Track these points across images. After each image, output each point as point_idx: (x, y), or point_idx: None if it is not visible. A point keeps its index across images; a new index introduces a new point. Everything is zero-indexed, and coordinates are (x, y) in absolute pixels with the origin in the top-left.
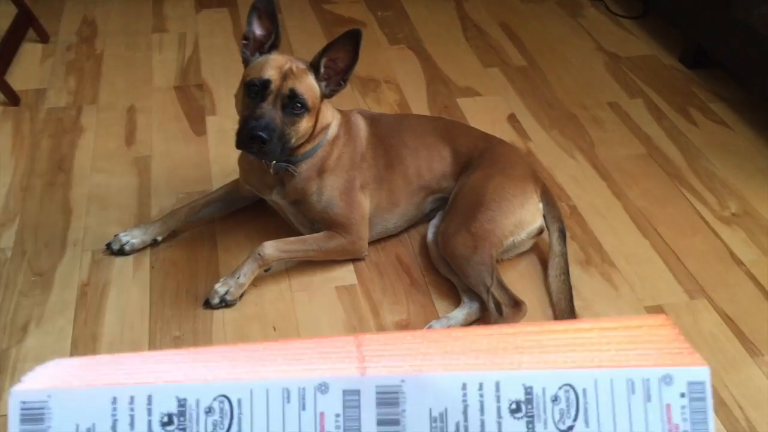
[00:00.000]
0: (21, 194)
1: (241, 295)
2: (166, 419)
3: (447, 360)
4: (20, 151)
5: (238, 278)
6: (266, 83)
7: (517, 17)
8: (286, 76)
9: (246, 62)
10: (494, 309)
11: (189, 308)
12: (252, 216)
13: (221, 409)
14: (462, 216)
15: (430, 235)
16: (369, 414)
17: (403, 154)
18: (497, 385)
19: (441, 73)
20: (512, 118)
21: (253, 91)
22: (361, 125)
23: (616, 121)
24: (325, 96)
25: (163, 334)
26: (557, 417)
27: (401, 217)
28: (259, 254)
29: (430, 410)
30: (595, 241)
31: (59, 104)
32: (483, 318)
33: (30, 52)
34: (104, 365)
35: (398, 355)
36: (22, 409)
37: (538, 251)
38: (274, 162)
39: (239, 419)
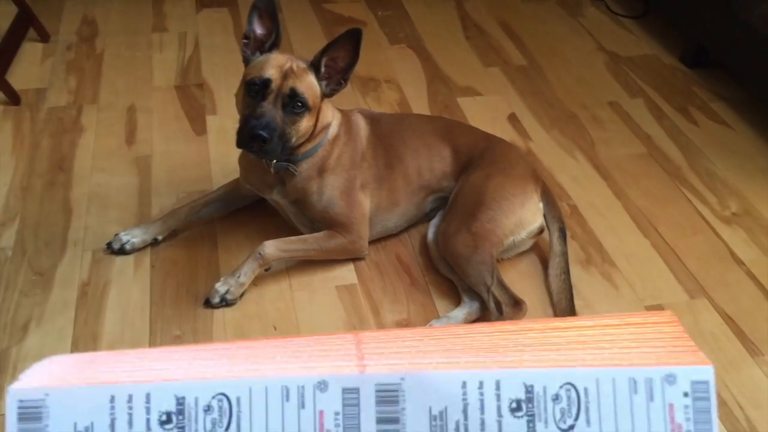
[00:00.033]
0: (21, 194)
1: (242, 295)
2: (164, 418)
3: (447, 358)
4: (21, 150)
5: (238, 277)
6: (267, 82)
7: (518, 17)
8: (286, 75)
9: (246, 61)
10: (494, 308)
11: (189, 307)
12: (252, 215)
13: (220, 408)
14: (462, 215)
15: (430, 235)
16: (368, 412)
17: (403, 154)
18: (498, 384)
19: (441, 72)
20: (512, 118)
21: (254, 90)
22: (361, 125)
23: (616, 120)
24: (326, 95)
25: (163, 334)
26: (558, 416)
27: (401, 217)
28: (259, 253)
29: (430, 408)
30: (596, 240)
31: (60, 104)
32: (483, 317)
33: (30, 51)
34: (101, 362)
35: (398, 353)
36: (20, 407)
37: (539, 251)
38: (275, 161)
39: (238, 417)
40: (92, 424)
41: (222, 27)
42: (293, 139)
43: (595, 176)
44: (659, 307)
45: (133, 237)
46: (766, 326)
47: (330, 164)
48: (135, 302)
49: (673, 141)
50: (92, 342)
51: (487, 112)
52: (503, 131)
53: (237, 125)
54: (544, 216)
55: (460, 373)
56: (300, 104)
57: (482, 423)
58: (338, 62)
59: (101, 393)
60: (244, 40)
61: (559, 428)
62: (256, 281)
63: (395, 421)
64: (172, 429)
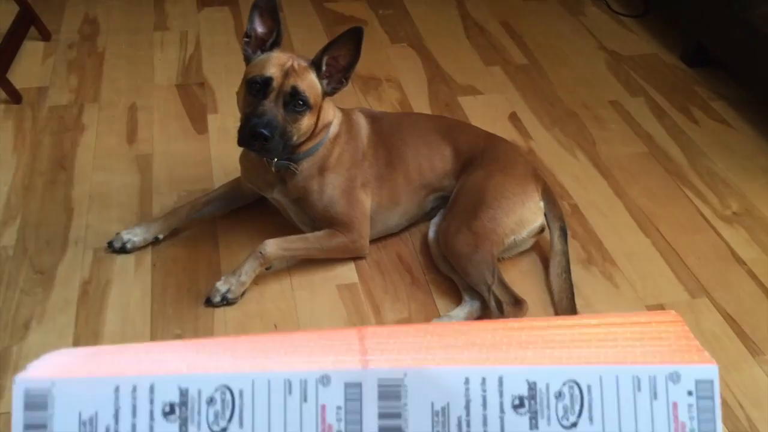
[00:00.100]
0: (22, 192)
1: (243, 294)
2: (168, 409)
3: (450, 354)
4: (22, 149)
5: (239, 276)
6: (268, 81)
7: (519, 15)
8: (287, 73)
9: (248, 60)
10: (495, 307)
11: (190, 306)
12: (253, 214)
13: (223, 400)
14: (463, 214)
15: (431, 234)
16: (371, 407)
17: (404, 153)
18: (500, 380)
19: (442, 71)
20: (513, 117)
21: (255, 88)
22: (362, 123)
23: (617, 119)
24: (327, 94)
25: (164, 332)
26: (561, 413)
27: (402, 216)
28: (260, 252)
29: (432, 404)
30: (597, 239)
31: (61, 102)
32: (484, 316)
33: (32, 50)
34: (108, 355)
35: (401, 349)
36: (26, 396)
37: (540, 250)
38: (276, 160)
39: (241, 410)
40: (96, 413)
41: (223, 26)
42: (294, 138)
43: (595, 175)
44: (660, 307)
45: (134, 236)
46: (766, 325)
47: (331, 163)
48: (136, 301)
49: (673, 140)
50: (93, 341)
51: (488, 111)
52: (504, 130)
53: (238, 124)
54: (545, 215)
55: (462, 369)
56: (301, 103)
57: (484, 419)
58: (339, 61)
59: (106, 383)
60: (245, 39)
61: (562, 425)
62: (257, 280)
63: (397, 416)
64: (175, 420)
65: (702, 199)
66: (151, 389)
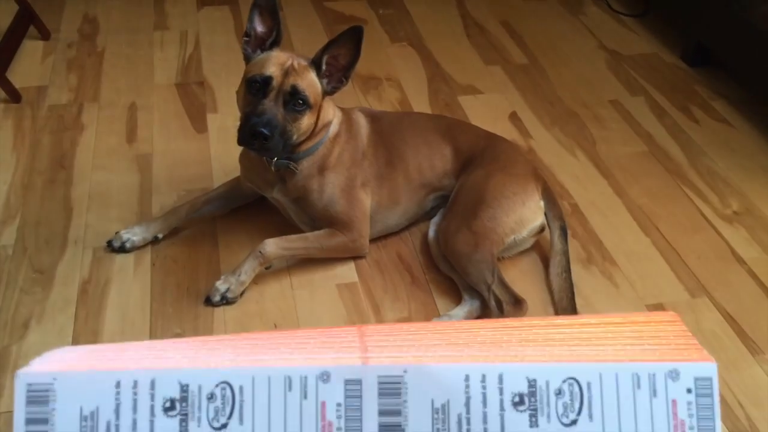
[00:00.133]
0: (22, 191)
1: (242, 293)
2: (168, 404)
3: (450, 351)
4: (21, 148)
5: (239, 276)
6: (268, 80)
7: (519, 15)
8: (287, 72)
9: (247, 59)
10: (495, 307)
11: (190, 306)
12: (253, 213)
13: (223, 396)
14: (463, 214)
15: (431, 233)
16: (371, 404)
17: (404, 152)
18: (500, 378)
19: (442, 70)
20: (513, 116)
21: (255, 87)
22: (362, 123)
23: (617, 118)
24: (327, 93)
25: (164, 332)
26: (561, 410)
27: (402, 215)
28: (260, 252)
29: (432, 401)
30: (596, 239)
31: (60, 101)
32: (484, 316)
33: (31, 49)
34: (109, 352)
35: (401, 346)
36: (29, 391)
37: (540, 249)
38: (276, 159)
39: (241, 406)
40: (98, 408)
41: (223, 25)
42: (294, 137)
43: (596, 175)
44: (660, 306)
45: (134, 235)
46: (766, 325)
47: (331, 162)
48: (135, 300)
49: (674, 139)
50: (92, 340)
51: (488, 110)
52: (504, 130)
53: (238, 123)
54: (545, 214)
55: (462, 367)
56: (301, 102)
57: (484, 416)
58: (339, 60)
59: (107, 378)
60: (245, 38)
61: (562, 423)
62: (257, 279)
63: (397, 413)
64: (175, 416)
65: (702, 199)
66: (152, 384)
